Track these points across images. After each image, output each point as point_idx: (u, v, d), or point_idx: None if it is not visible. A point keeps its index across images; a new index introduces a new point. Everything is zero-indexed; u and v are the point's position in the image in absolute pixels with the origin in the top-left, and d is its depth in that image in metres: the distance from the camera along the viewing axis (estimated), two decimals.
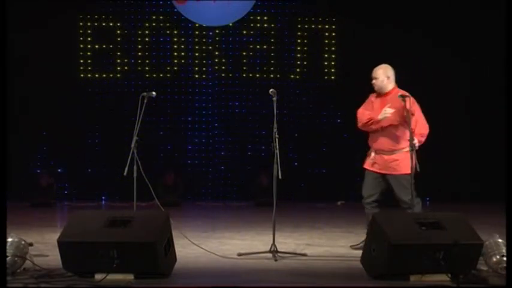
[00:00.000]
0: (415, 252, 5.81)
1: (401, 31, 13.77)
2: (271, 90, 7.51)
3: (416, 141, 7.28)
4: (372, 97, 7.75)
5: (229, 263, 6.91)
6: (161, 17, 14.42)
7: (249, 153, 14.38)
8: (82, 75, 14.28)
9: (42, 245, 7.64)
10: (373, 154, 7.67)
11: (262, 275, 6.32)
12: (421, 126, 7.51)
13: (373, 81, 7.68)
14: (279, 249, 7.16)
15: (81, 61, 14.27)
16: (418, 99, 7.60)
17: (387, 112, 7.44)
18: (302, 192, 14.24)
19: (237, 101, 14.40)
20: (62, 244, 5.92)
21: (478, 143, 13.77)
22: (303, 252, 7.41)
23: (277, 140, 7.29)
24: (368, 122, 7.58)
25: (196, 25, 14.41)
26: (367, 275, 6.10)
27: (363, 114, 7.66)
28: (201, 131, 14.51)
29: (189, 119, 14.50)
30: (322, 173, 14.18)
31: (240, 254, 7.25)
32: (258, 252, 7.32)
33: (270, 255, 7.08)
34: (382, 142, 7.57)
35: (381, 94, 7.68)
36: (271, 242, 7.20)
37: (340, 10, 14.14)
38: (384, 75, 7.64)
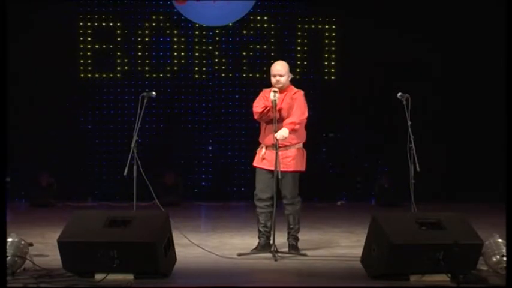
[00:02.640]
0: (415, 252, 5.81)
1: (401, 31, 13.75)
2: (272, 89, 7.50)
3: (284, 133, 7.26)
4: (266, 92, 7.62)
5: (229, 263, 6.91)
6: (161, 17, 14.39)
7: (249, 153, 14.33)
8: (82, 75, 14.26)
9: (42, 245, 7.64)
10: (263, 150, 7.57)
11: (262, 275, 6.33)
12: (295, 116, 7.43)
13: (278, 78, 7.54)
14: (279, 249, 7.17)
15: (81, 61, 14.25)
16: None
17: (275, 92, 7.36)
18: (302, 192, 14.17)
19: (237, 101, 14.38)
20: (62, 244, 5.93)
21: (478, 143, 13.75)
22: (303, 252, 7.42)
23: (277, 140, 7.30)
24: (264, 110, 7.44)
25: (196, 25, 14.38)
26: (367, 275, 6.10)
27: (258, 104, 7.54)
28: (201, 131, 14.49)
29: (189, 119, 14.48)
30: (322, 172, 14.14)
31: (240, 254, 7.25)
32: (258, 252, 7.32)
33: (270, 255, 7.08)
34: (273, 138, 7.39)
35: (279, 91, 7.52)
36: (271, 242, 7.21)
37: (340, 10, 14.12)
38: (287, 73, 7.60)
